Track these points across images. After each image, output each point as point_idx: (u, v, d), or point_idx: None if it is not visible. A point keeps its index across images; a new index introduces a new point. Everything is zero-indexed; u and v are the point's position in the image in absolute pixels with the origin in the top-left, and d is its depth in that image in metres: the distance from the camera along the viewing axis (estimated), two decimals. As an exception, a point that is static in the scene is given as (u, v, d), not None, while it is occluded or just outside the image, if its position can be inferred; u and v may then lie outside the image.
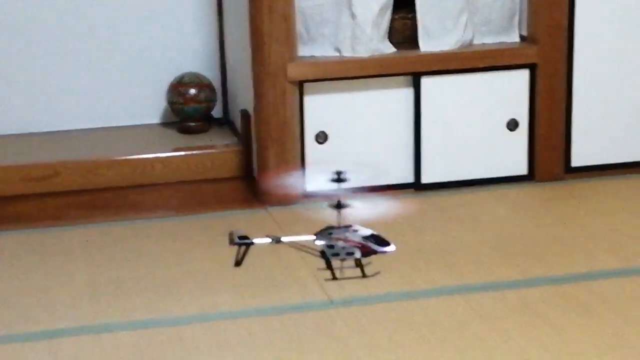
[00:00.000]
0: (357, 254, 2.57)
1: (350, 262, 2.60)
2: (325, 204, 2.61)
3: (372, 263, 2.72)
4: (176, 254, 3.96)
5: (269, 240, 2.65)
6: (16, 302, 3.53)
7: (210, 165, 4.75)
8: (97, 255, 3.97)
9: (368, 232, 2.59)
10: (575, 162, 4.71)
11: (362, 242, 2.58)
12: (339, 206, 2.57)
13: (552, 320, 3.26)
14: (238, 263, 2.52)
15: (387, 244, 2.58)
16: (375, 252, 2.59)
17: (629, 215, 4.21)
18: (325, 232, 2.58)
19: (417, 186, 4.61)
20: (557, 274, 3.63)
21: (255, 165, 4.65)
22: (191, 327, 3.30)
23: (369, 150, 4.56)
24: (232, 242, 2.48)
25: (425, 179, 4.61)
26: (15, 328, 3.32)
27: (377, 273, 2.73)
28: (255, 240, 2.64)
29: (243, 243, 2.51)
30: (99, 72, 5.14)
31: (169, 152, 4.75)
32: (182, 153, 4.75)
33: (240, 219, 4.33)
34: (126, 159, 4.69)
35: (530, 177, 4.69)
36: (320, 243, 2.61)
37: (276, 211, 4.42)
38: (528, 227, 4.18)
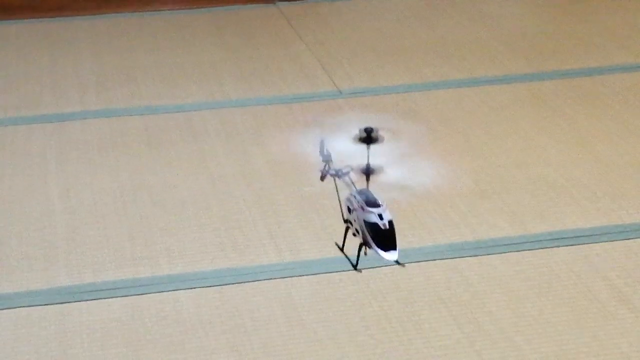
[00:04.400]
0: (360, 238, 1.97)
1: (359, 238, 1.95)
2: (350, 168, 2.04)
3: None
4: (184, 45, 3.92)
5: (341, 170, 2.03)
6: (25, 86, 3.51)
7: (219, -41, 4.63)
8: (105, 45, 3.92)
9: (374, 218, 1.92)
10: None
11: (363, 228, 1.93)
12: (367, 172, 2.02)
13: (562, 111, 3.24)
14: (322, 178, 2.10)
15: (389, 246, 1.93)
16: (370, 247, 1.94)
17: (644, 14, 4.13)
18: (355, 193, 1.96)
19: (429, -17, 4.50)
20: (569, 67, 3.59)
21: (264, -41, 4.54)
22: (199, 114, 3.29)
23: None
24: (321, 153, 2.02)
25: (438, -24, 4.50)
26: (24, 111, 3.32)
27: (359, 271, 2.11)
28: (331, 168, 2.06)
29: (327, 161, 2.03)
30: None
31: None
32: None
33: (249, 14, 4.27)
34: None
35: (545, -24, 4.57)
36: (346, 204, 2.00)
37: (285, 6, 4.34)
38: (541, 23, 4.10)
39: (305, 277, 2.41)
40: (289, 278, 2.41)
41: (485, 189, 2.75)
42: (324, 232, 2.58)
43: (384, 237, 1.93)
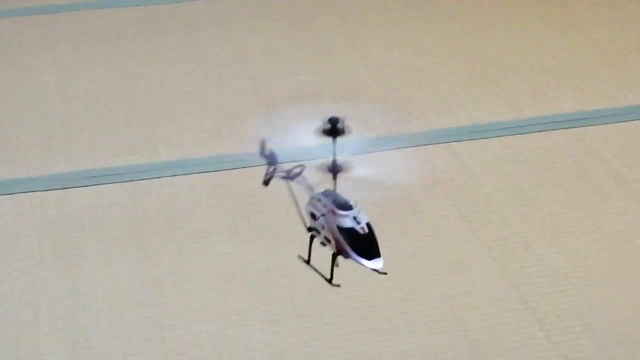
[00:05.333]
0: (333, 247, 1.68)
1: (331, 248, 1.71)
2: (302, 167, 1.74)
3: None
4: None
5: (292, 171, 1.72)
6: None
7: None
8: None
9: (349, 223, 1.65)
10: None
11: (337, 236, 1.66)
12: (334, 169, 1.71)
13: (559, -2, 3.23)
14: (266, 182, 1.72)
15: (372, 253, 1.66)
16: (348, 257, 1.67)
17: None
18: (319, 196, 1.72)
19: None
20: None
21: None
22: (192, 4, 3.25)
23: None
24: (262, 154, 1.68)
25: None
26: (12, 2, 3.29)
27: (337, 285, 1.73)
28: (279, 169, 1.77)
29: (271, 163, 1.69)
30: None
31: None
32: None
33: None
34: None
35: None
36: (308, 209, 1.74)
37: None
38: None
39: (304, 161, 2.42)
40: (286, 163, 2.42)
41: (481, 75, 2.75)
42: (320, 118, 2.58)
43: (365, 243, 1.67)
